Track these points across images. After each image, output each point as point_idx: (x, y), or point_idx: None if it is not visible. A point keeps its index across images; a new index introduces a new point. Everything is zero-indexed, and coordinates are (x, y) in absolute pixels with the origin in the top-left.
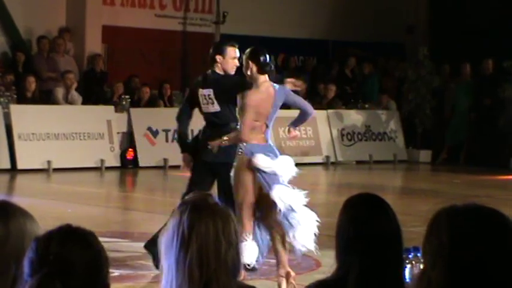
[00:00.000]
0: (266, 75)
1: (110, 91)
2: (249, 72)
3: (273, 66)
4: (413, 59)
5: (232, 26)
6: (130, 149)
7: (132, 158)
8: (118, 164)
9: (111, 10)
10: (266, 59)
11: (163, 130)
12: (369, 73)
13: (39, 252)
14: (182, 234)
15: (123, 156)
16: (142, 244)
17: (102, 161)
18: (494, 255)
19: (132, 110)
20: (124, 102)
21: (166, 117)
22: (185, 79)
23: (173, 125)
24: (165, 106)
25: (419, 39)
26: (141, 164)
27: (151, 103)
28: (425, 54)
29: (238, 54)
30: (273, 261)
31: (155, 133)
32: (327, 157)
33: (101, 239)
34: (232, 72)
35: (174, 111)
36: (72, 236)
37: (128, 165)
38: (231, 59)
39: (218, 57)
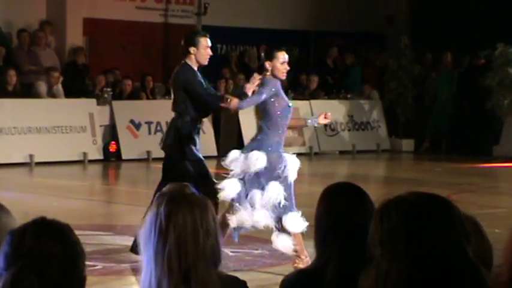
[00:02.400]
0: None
1: (91, 84)
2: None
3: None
4: (394, 49)
5: (213, 18)
6: (113, 142)
7: (114, 150)
8: (101, 157)
9: (91, 2)
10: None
11: (146, 122)
12: (351, 63)
13: (14, 245)
14: (160, 226)
15: (105, 149)
16: (125, 237)
17: (84, 154)
18: (446, 242)
19: (115, 103)
20: (106, 95)
21: (148, 109)
22: (167, 71)
23: (156, 118)
24: (148, 98)
25: (400, 29)
26: (124, 156)
27: (134, 96)
28: (406, 44)
29: (210, 44)
30: (257, 252)
31: (138, 126)
32: (310, 147)
33: (83, 232)
34: (205, 62)
35: (156, 104)
36: (47, 229)
37: (111, 158)
38: (203, 49)
39: (192, 49)
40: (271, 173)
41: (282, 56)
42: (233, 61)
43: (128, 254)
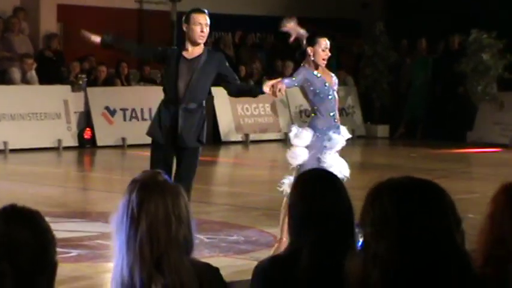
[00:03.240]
0: None
1: (66, 70)
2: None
3: None
4: (369, 35)
5: (189, 4)
6: (87, 129)
7: (89, 137)
8: (76, 144)
9: None
10: None
11: (121, 109)
12: None
13: None
14: (132, 213)
15: (80, 135)
16: (100, 224)
17: (59, 141)
18: (435, 227)
19: (89, 89)
20: (81, 82)
21: (123, 96)
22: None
23: (131, 104)
24: (123, 85)
25: (376, 15)
26: (98, 143)
27: (109, 82)
28: (382, 30)
29: (207, 21)
30: (232, 238)
31: (113, 112)
32: (286, 134)
33: (58, 219)
34: (199, 40)
35: (131, 90)
36: (17, 216)
37: (86, 145)
38: (194, 25)
39: (184, 26)
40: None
41: (325, 42)
42: (208, 47)
43: (102, 241)
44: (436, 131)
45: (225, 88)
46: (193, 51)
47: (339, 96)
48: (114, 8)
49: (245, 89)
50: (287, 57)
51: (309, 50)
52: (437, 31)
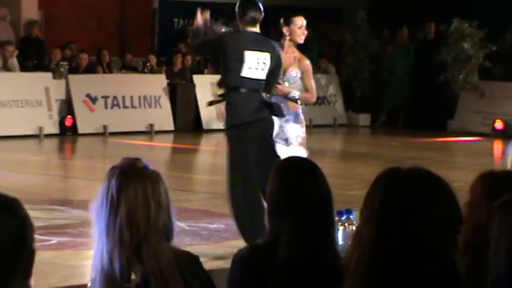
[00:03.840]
0: None
1: (47, 58)
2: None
3: None
4: (351, 24)
5: None
6: (69, 116)
7: (71, 125)
8: (57, 132)
9: None
10: None
11: (103, 97)
12: (307, 38)
13: None
14: (111, 199)
15: (62, 123)
16: (81, 211)
17: (40, 128)
18: (420, 219)
19: (71, 77)
20: (62, 69)
21: (105, 83)
22: (123, 45)
23: (112, 92)
24: (104, 72)
25: (357, 4)
26: (80, 131)
27: (90, 70)
28: (363, 18)
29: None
30: (213, 226)
31: (94, 100)
32: None
33: (39, 206)
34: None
35: (113, 78)
36: None
37: (67, 133)
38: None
39: (285, 28)
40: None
41: (300, 21)
42: (190, 36)
43: (83, 229)
44: (418, 119)
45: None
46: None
47: (320, 85)
48: None
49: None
50: None
51: (285, 30)
52: (419, 20)
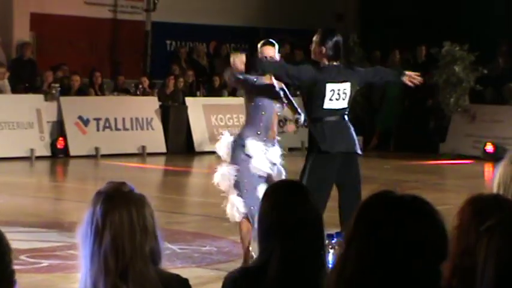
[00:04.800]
0: None
1: (39, 79)
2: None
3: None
4: (343, 46)
5: (163, 14)
6: (60, 138)
7: (62, 147)
8: (48, 154)
9: None
10: None
11: (94, 119)
12: (300, 60)
13: None
14: (96, 225)
15: (53, 145)
16: (72, 234)
17: (32, 150)
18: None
19: (62, 99)
20: (54, 91)
21: (97, 105)
22: (116, 67)
23: (104, 114)
24: (96, 94)
25: (350, 27)
26: (72, 153)
27: (82, 91)
28: (355, 41)
29: None
30: (205, 248)
31: (86, 122)
32: None
33: (30, 229)
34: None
35: (105, 100)
36: None
37: (59, 155)
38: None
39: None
40: None
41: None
42: (182, 57)
43: (74, 251)
44: (409, 142)
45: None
46: None
47: None
48: (88, 17)
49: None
50: None
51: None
52: (410, 43)
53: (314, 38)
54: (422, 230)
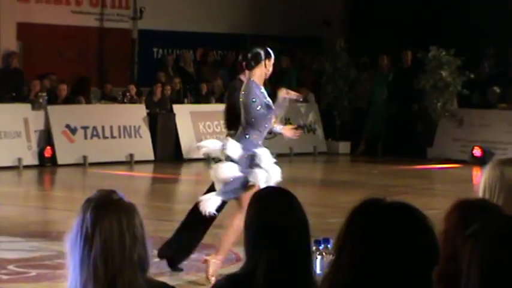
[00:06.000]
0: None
1: (26, 89)
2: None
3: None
4: (330, 52)
5: (149, 22)
6: (48, 147)
7: (50, 156)
8: (36, 163)
9: (25, 7)
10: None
11: (82, 127)
12: (286, 66)
13: None
14: (86, 232)
15: (41, 154)
16: (60, 243)
17: (19, 159)
18: (391, 254)
19: (50, 108)
20: (41, 100)
21: (84, 114)
22: (103, 75)
23: (92, 122)
24: (86, 103)
25: (337, 33)
26: (59, 161)
27: (69, 100)
28: (342, 47)
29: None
30: (193, 256)
31: (73, 130)
32: None
33: (18, 238)
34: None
35: (92, 108)
36: None
37: (46, 164)
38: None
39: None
40: None
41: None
42: (169, 65)
43: (62, 261)
44: (397, 147)
45: None
46: None
47: (300, 113)
48: (75, 26)
49: None
50: None
51: (267, 62)
52: (397, 48)
53: None
54: (412, 237)
